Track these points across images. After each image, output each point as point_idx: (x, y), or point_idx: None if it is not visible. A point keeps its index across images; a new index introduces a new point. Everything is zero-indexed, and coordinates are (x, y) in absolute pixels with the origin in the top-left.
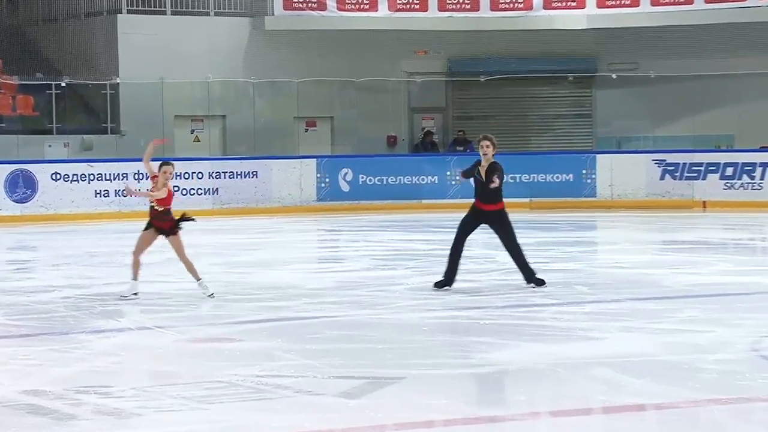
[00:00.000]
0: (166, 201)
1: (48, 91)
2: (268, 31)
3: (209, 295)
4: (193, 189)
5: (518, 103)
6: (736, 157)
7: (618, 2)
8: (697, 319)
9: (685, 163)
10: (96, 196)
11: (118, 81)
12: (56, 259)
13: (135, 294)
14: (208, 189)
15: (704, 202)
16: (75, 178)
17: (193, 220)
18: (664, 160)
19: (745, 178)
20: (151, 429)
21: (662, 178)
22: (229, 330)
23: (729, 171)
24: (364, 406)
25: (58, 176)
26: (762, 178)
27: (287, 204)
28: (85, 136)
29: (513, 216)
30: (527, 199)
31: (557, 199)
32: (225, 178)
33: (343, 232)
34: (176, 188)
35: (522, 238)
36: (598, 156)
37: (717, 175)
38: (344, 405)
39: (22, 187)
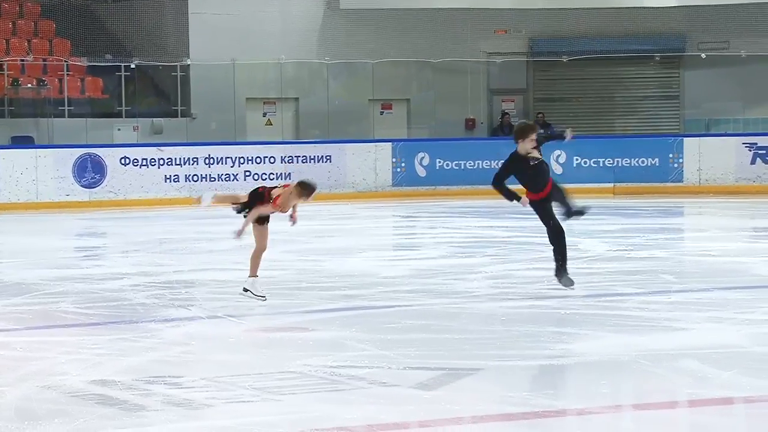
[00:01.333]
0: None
1: (117, 73)
2: (342, 10)
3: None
4: (265, 174)
5: (602, 85)
6: None
7: None
8: None
9: None
10: (166, 181)
11: (189, 62)
12: (125, 246)
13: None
14: (281, 174)
15: None
16: (144, 163)
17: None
18: (755, 144)
19: None
20: (221, 420)
21: (753, 162)
22: (301, 319)
23: None
24: (440, 398)
25: (128, 161)
26: None
27: (361, 189)
28: (154, 119)
29: (597, 201)
30: (611, 184)
31: (642, 184)
32: (298, 162)
33: (419, 219)
34: (248, 173)
35: (606, 224)
36: (685, 139)
37: None
38: (420, 397)
39: (91, 171)
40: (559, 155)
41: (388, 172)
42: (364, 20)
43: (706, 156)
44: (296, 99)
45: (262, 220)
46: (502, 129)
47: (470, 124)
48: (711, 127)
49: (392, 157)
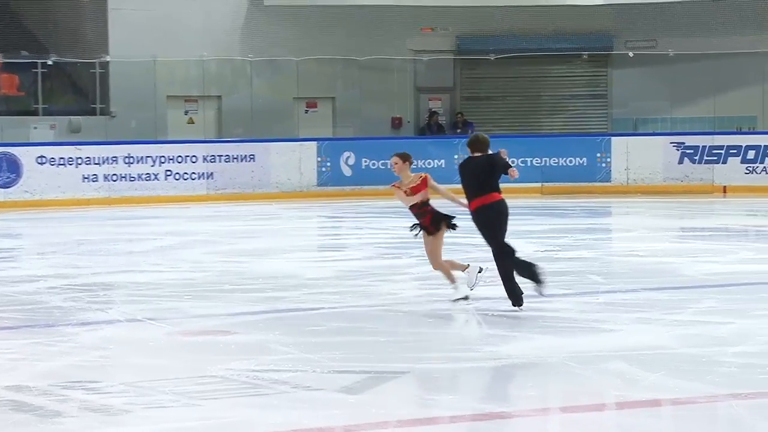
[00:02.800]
0: (415, 191)
1: (34, 70)
2: (266, 7)
3: (461, 298)
4: (187, 173)
5: (529, 83)
6: (758, 140)
7: None
8: (717, 310)
9: (704, 146)
10: (84, 181)
11: (108, 59)
12: (42, 247)
13: (465, 298)
14: (203, 173)
15: (724, 187)
16: (62, 162)
17: (453, 228)
18: (683, 143)
19: None
20: (140, 427)
21: (680, 161)
22: (223, 322)
23: (751, 154)
24: (365, 401)
25: (44, 160)
26: None
27: (286, 189)
28: (72, 117)
29: (524, 202)
30: (538, 184)
31: (570, 184)
32: (220, 162)
33: (344, 219)
34: (169, 173)
35: (533, 224)
36: (613, 138)
37: (738, 159)
38: (344, 401)
39: (6, 171)
40: None
41: (313, 172)
42: (289, 17)
43: (634, 155)
44: (219, 97)
45: (432, 230)
46: (429, 128)
47: (397, 123)
48: (639, 127)
49: (317, 157)
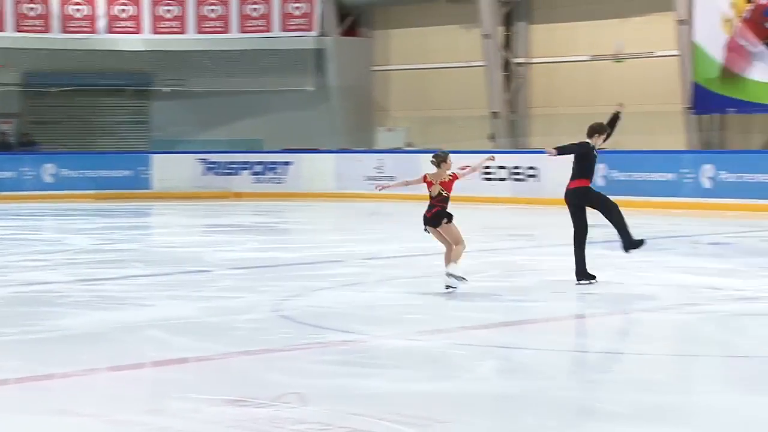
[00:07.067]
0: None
1: None
2: None
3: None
4: None
5: (86, 111)
6: (263, 158)
7: (169, 29)
8: (232, 287)
9: (223, 162)
10: None
11: None
12: None
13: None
14: None
15: (238, 193)
16: None
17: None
18: (207, 159)
19: (271, 174)
20: None
21: (205, 173)
22: None
23: (258, 168)
24: None
25: None
26: (284, 174)
27: None
28: None
29: (79, 205)
30: (93, 191)
31: (119, 191)
32: None
33: None
34: None
35: (88, 224)
36: (152, 155)
37: (249, 172)
38: None
39: None
40: (49, 168)
41: None
42: None
43: (169, 169)
44: None
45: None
46: (2, 145)
47: None
48: (174, 146)
49: None
